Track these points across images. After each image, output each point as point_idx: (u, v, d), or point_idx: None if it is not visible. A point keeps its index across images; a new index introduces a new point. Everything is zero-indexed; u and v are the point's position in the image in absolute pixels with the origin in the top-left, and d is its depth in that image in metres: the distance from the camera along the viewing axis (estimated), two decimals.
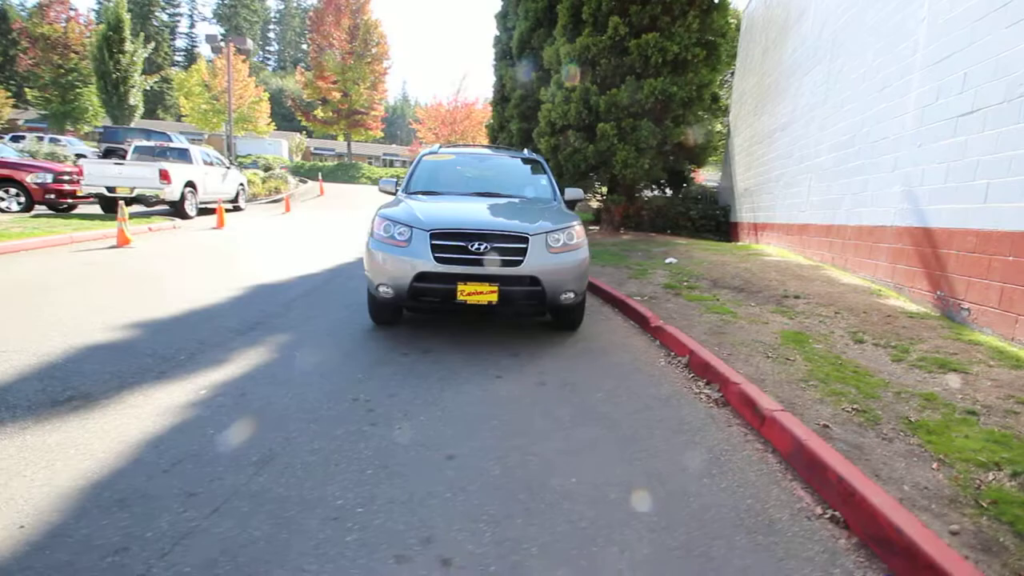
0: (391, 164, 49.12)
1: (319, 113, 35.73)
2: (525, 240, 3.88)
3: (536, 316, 4.53)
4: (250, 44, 18.26)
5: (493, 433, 2.66)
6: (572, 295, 4.07)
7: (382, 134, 39.62)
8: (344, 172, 32.78)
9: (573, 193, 5.29)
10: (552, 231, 4.01)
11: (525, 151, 6.19)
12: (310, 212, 15.39)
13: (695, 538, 1.90)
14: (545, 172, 5.56)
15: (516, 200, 4.91)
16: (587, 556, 1.78)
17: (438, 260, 3.79)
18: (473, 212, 4.29)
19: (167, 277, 6.19)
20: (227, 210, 14.00)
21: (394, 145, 56.29)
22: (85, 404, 2.72)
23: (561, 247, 4.00)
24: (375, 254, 4.02)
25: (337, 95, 34.92)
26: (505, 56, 18.33)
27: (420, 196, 4.84)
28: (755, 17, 13.31)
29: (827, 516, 2.06)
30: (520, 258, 3.84)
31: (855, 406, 2.96)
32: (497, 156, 5.87)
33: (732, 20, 13.78)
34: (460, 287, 3.77)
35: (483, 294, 3.78)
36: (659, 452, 2.55)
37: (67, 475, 2.09)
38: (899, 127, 5.74)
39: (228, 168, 14.26)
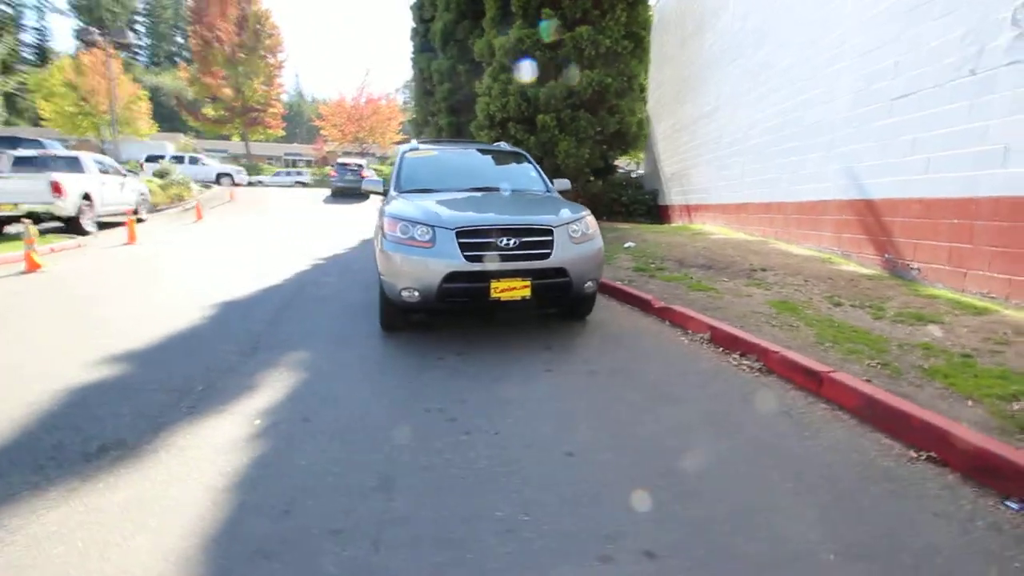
0: (294, 164, 46.18)
1: (209, 112, 32.76)
2: (550, 232, 3.88)
3: (555, 307, 4.53)
4: (131, 37, 16.24)
5: (588, 425, 2.67)
6: (592, 284, 4.14)
7: (283, 132, 37.15)
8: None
9: (561, 184, 5.35)
10: (571, 222, 4.04)
11: (502, 144, 6.14)
12: (226, 219, 14.10)
13: (838, 492, 2.06)
14: (530, 163, 5.55)
15: (516, 193, 4.87)
16: (772, 525, 1.86)
17: (468, 259, 3.68)
18: (489, 207, 4.20)
19: (111, 301, 5.42)
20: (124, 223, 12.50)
21: (295, 144, 52.91)
22: (127, 453, 2.35)
23: (581, 237, 4.04)
24: (393, 257, 3.81)
25: (229, 92, 32.18)
26: (425, 49, 17.93)
27: (416, 194, 4.64)
28: (667, 11, 14.11)
29: (923, 458, 2.30)
30: (548, 251, 3.83)
31: (876, 361, 3.31)
32: (478, 150, 5.76)
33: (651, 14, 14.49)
34: (493, 284, 3.69)
35: (516, 289, 3.73)
36: (746, 422, 2.70)
37: (174, 534, 1.80)
38: (832, 111, 6.41)
39: (125, 176, 12.69)
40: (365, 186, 5.13)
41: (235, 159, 42.48)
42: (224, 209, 16.48)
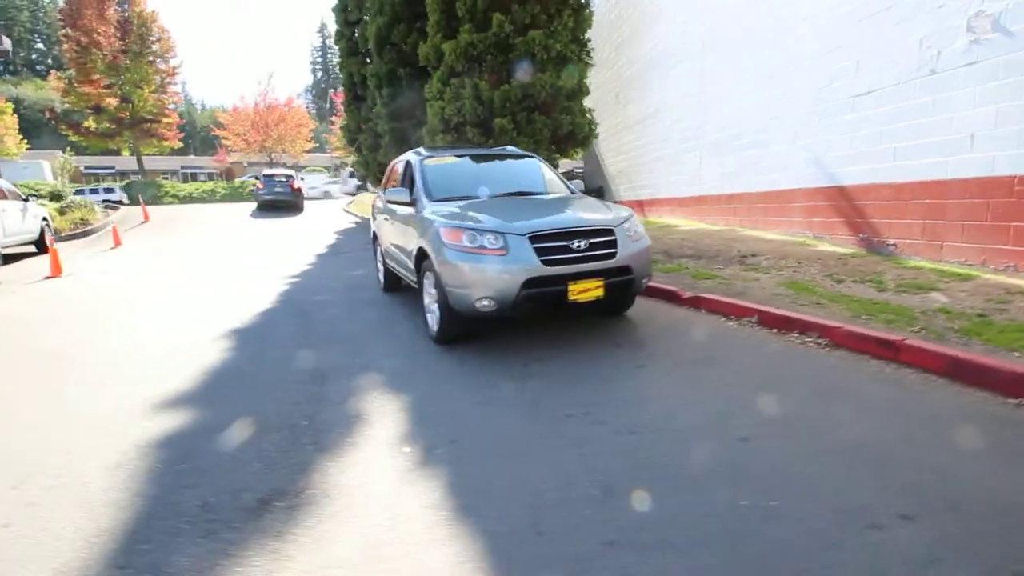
0: (194, 178, 42.45)
1: (92, 124, 29.19)
2: (612, 232, 3.97)
3: (613, 307, 4.58)
4: (7, 44, 14.11)
5: (729, 411, 2.79)
6: (647, 280, 4.30)
7: (181, 144, 34.01)
8: (141, 193, 27.38)
9: (577, 185, 5.47)
10: (625, 221, 4.16)
11: (509, 148, 6.14)
12: (151, 242, 12.71)
13: (989, 445, 2.34)
14: (545, 165, 5.62)
15: (553, 196, 4.92)
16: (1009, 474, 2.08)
17: (544, 263, 3.68)
18: (542, 211, 4.21)
19: (95, 346, 4.76)
20: (31, 253, 10.93)
21: (192, 156, 48.61)
22: (298, 501, 2.13)
23: (635, 235, 4.17)
24: (461, 267, 3.72)
25: (113, 101, 28.86)
26: (354, 52, 17.31)
27: (451, 202, 4.54)
28: (599, 16, 14.68)
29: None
30: (614, 250, 3.93)
31: (917, 327, 3.74)
32: (490, 155, 5.71)
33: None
34: (571, 287, 3.72)
35: (591, 290, 3.79)
36: (856, 393, 2.96)
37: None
38: (794, 108, 7.08)
39: (26, 201, 11.08)
40: (390, 195, 4.93)
41: (122, 176, 38.33)
42: (142, 231, 14.85)
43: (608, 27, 13.84)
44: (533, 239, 3.72)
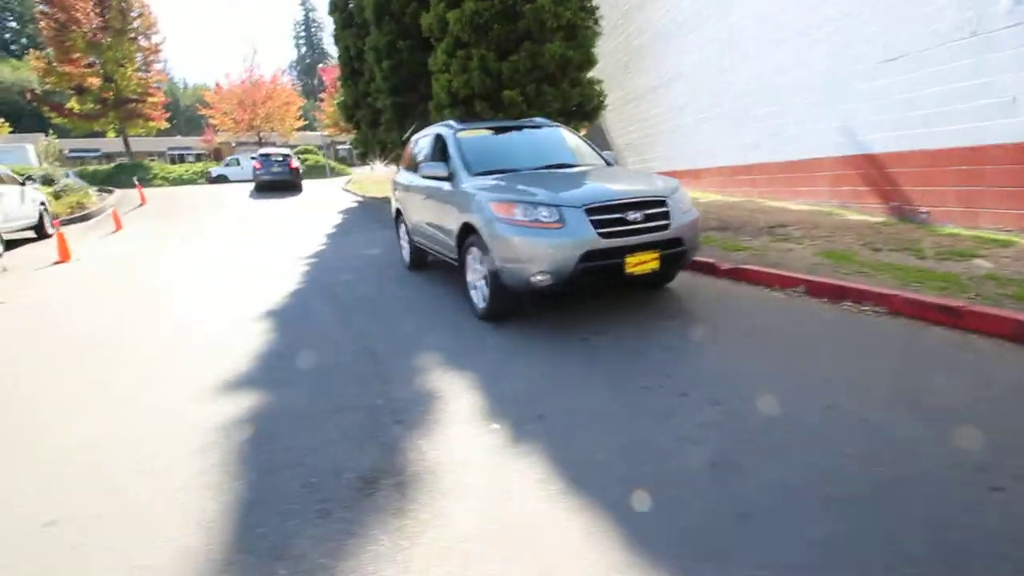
0: (182, 160, 41.51)
1: (75, 106, 28.29)
2: (665, 203, 3.91)
3: (661, 279, 4.54)
4: None
5: (811, 380, 2.78)
6: (695, 251, 4.26)
7: (168, 124, 33.13)
8: (130, 175, 26.72)
9: (609, 156, 5.37)
10: (675, 192, 4.09)
11: (537, 119, 6.00)
12: (154, 225, 12.44)
13: None
14: (577, 136, 5.51)
15: (595, 167, 4.83)
16: None
17: (602, 235, 3.62)
18: (590, 182, 4.13)
19: (133, 332, 4.67)
20: (30, 239, 10.69)
21: (178, 137, 47.44)
22: (405, 480, 2.10)
23: (684, 206, 4.12)
24: (514, 240, 3.65)
25: (96, 81, 27.94)
26: (350, 25, 16.81)
27: (492, 176, 4.44)
28: None
29: None
30: (667, 221, 3.87)
31: (971, 293, 3.74)
32: (522, 126, 5.57)
33: None
34: (628, 259, 3.68)
35: (647, 263, 3.75)
36: (933, 359, 2.97)
37: (609, 550, 1.67)
38: (812, 75, 6.96)
39: (23, 184, 10.77)
40: (425, 170, 4.81)
41: (108, 158, 37.37)
42: (141, 214, 14.54)
43: None
44: (589, 211, 3.65)
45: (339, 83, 19.51)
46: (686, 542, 1.68)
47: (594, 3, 11.73)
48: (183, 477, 2.21)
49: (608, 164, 5.12)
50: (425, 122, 14.43)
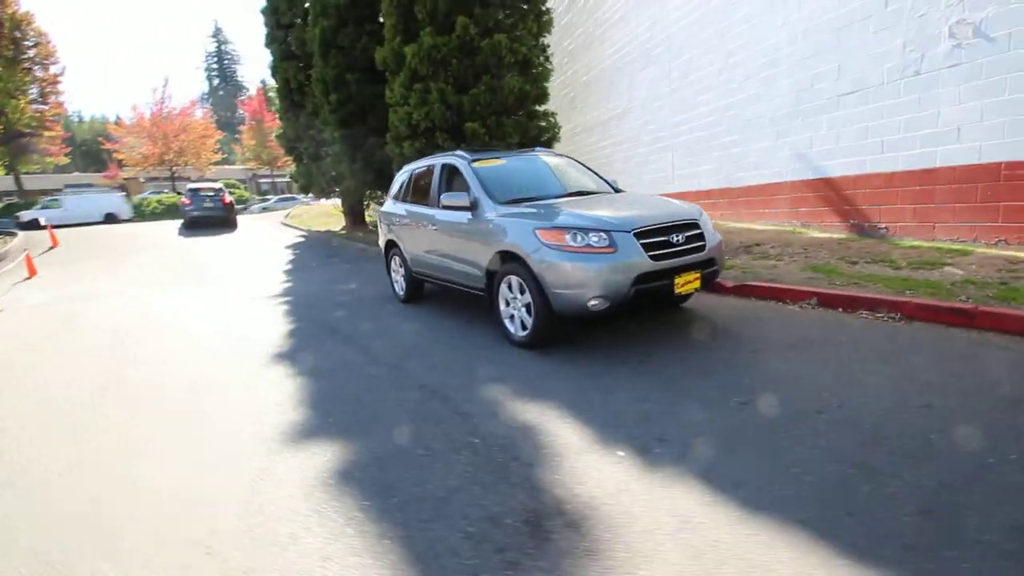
0: None
1: None
2: (698, 225, 4.09)
3: (678, 300, 4.67)
4: None
5: (877, 386, 2.97)
6: (722, 271, 4.46)
7: (68, 159, 30.20)
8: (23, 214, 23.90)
9: (612, 182, 5.56)
10: (702, 215, 4.30)
11: (539, 148, 6.11)
12: (73, 270, 11.10)
13: None
14: (582, 165, 5.66)
15: (610, 193, 4.97)
16: None
17: (652, 258, 3.71)
18: (621, 208, 4.23)
19: (137, 381, 4.12)
20: None
21: (76, 173, 43.15)
22: (571, 520, 1.99)
23: (711, 228, 4.33)
24: (568, 267, 3.66)
25: None
26: (289, 57, 16.32)
27: (519, 204, 4.46)
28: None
29: None
30: (703, 243, 4.05)
31: (961, 296, 4.19)
32: (531, 155, 5.63)
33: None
34: (677, 280, 3.79)
35: (691, 283, 3.89)
36: (975, 356, 3.27)
37: None
38: (775, 107, 7.67)
39: None
40: (446, 199, 4.72)
41: None
42: (55, 258, 13.00)
43: (559, 33, 14.14)
44: (638, 235, 3.74)
45: (277, 116, 18.75)
46: (910, 548, 1.72)
47: (547, 41, 12.26)
48: (314, 548, 1.96)
49: (616, 190, 5.29)
50: (374, 155, 14.25)
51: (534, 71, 11.80)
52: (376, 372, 3.90)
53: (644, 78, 10.72)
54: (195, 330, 5.66)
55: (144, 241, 15.40)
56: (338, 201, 18.42)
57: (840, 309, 4.45)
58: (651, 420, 2.75)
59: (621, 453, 2.43)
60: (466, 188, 4.85)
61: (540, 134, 12.41)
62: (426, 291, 6.48)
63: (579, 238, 3.70)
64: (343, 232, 16.74)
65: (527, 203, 4.50)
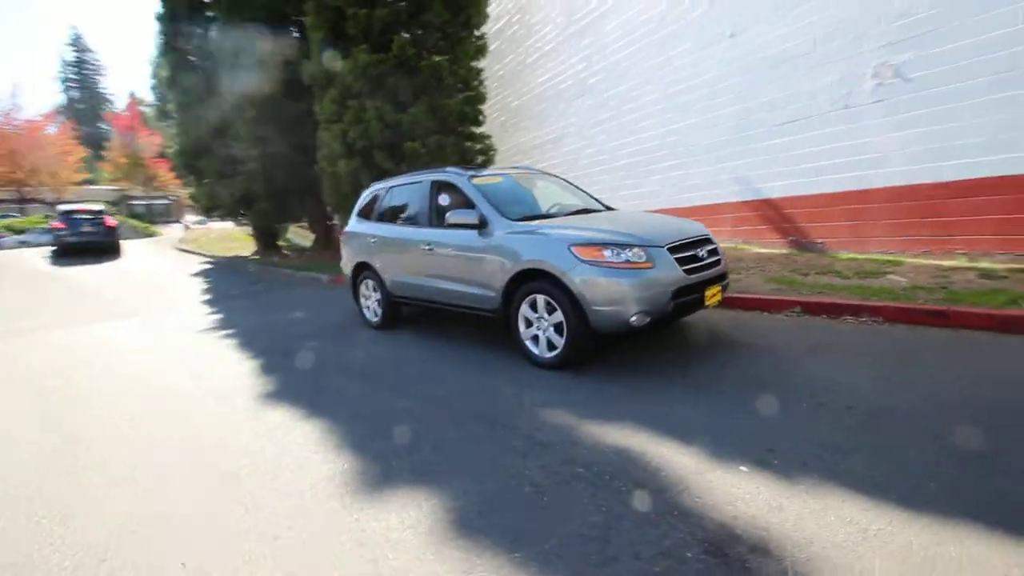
0: None
1: None
2: (712, 241, 4.25)
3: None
4: None
5: (913, 380, 3.22)
6: None
7: None
8: None
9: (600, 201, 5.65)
10: (709, 232, 4.47)
11: (529, 166, 6.04)
12: None
13: None
14: (569, 183, 5.68)
15: (611, 210, 5.01)
16: None
17: (686, 272, 3.77)
18: (646, 223, 4.27)
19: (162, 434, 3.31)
20: None
21: None
22: (790, 556, 1.88)
23: (718, 244, 4.51)
24: (609, 283, 3.60)
25: None
26: (189, 67, 14.80)
27: (531, 222, 4.34)
28: None
29: None
30: (719, 257, 4.20)
31: (921, 299, 4.75)
32: (525, 173, 5.51)
33: None
34: (707, 292, 3.88)
35: (716, 295, 4.01)
36: (977, 349, 3.67)
37: None
38: (714, 135, 8.32)
39: None
40: (452, 217, 4.46)
41: None
42: None
43: (489, 59, 14.31)
44: (671, 250, 3.79)
45: (175, 130, 16.87)
46: None
47: (478, 66, 12.36)
48: None
49: (608, 208, 5.36)
50: (297, 174, 13.31)
51: (471, 93, 11.83)
52: (411, 406, 3.52)
53: (580, 105, 11.16)
54: (155, 378, 4.75)
55: (12, 271, 12.93)
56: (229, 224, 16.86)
57: (825, 316, 4.84)
58: (743, 432, 2.74)
59: (743, 468, 2.38)
60: (467, 205, 4.64)
61: (477, 156, 12.41)
62: (408, 313, 6.08)
63: (618, 253, 3.66)
64: (256, 257, 15.36)
65: (538, 220, 4.40)
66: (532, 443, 2.81)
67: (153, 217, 39.01)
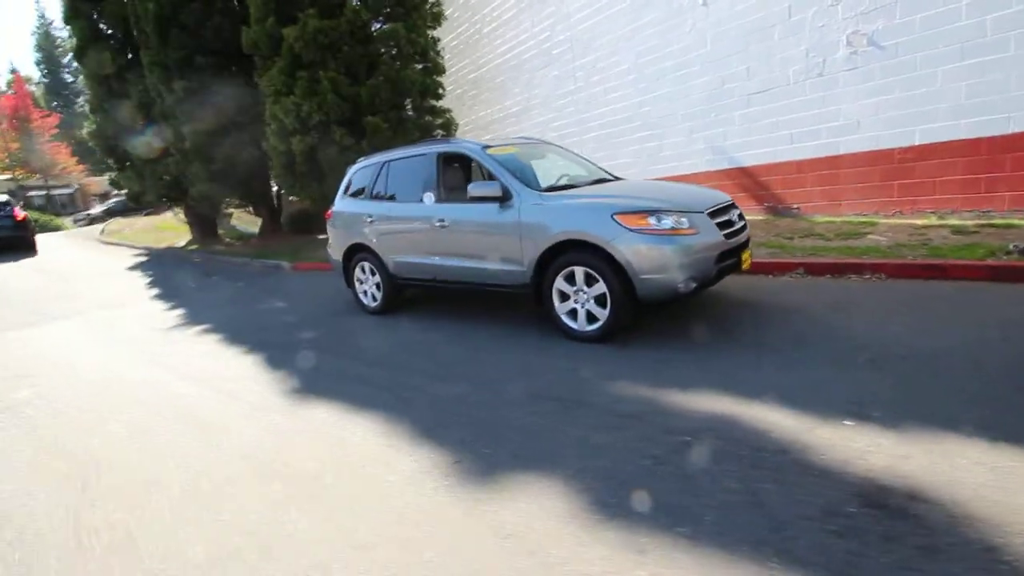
0: None
1: None
2: (737, 206, 4.30)
3: None
4: None
5: (939, 328, 3.42)
6: None
7: None
8: None
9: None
10: None
11: (533, 137, 5.83)
12: None
13: None
14: (576, 154, 5.56)
15: (625, 179, 4.95)
16: None
17: (726, 237, 3.80)
18: (672, 191, 4.25)
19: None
20: None
21: None
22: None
23: None
24: (658, 251, 3.56)
25: None
26: (101, 37, 13.17)
27: (558, 192, 4.23)
28: None
29: None
30: (744, 223, 4.26)
31: (909, 256, 5.07)
32: (537, 144, 5.31)
33: None
34: (743, 256, 3.93)
35: (748, 259, 4.08)
36: (978, 299, 3.94)
37: None
38: (688, 105, 8.44)
39: None
40: (474, 190, 4.23)
41: None
42: None
43: (442, 30, 13.77)
44: (711, 215, 3.79)
45: (88, 109, 15.06)
46: None
47: (435, 35, 11.82)
48: None
49: (617, 178, 5.31)
50: (239, 154, 12.27)
51: (429, 64, 11.31)
52: (463, 392, 3.34)
53: (545, 76, 10.97)
54: (146, 383, 4.23)
55: None
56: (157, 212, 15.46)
57: (829, 276, 5.06)
58: (820, 389, 2.79)
59: (848, 423, 2.42)
60: (485, 177, 4.43)
61: (439, 131, 11.96)
62: (411, 295, 5.80)
63: (663, 220, 3.61)
64: (195, 247, 14.17)
65: (560, 191, 4.28)
66: (620, 417, 2.74)
67: (56, 209, 35.05)
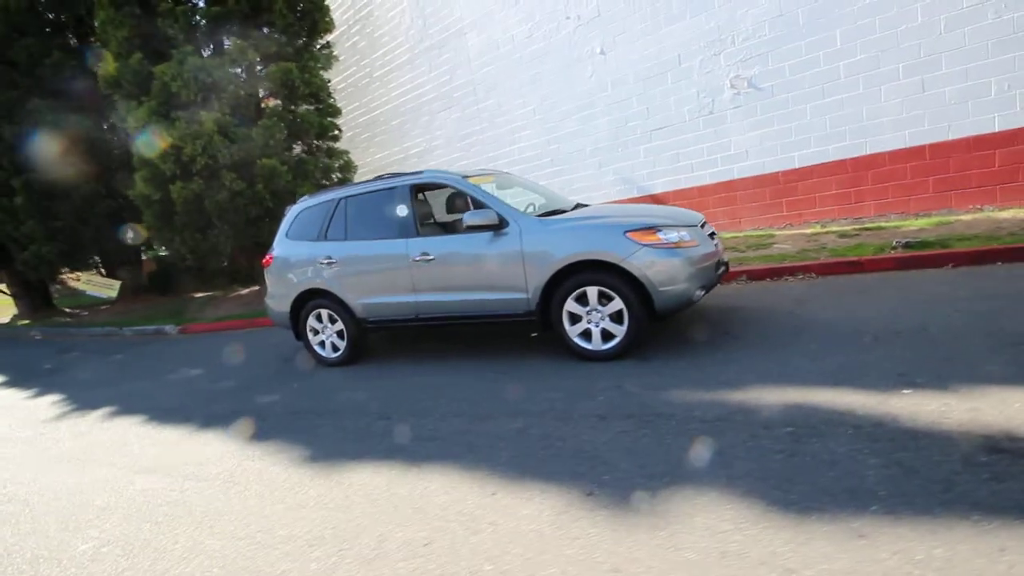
0: None
1: None
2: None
3: None
4: None
5: (916, 312, 4.04)
6: None
7: None
8: None
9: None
10: None
11: (495, 169, 5.74)
12: None
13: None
14: (540, 185, 5.66)
15: (587, 206, 5.15)
16: None
17: (714, 247, 4.12)
18: (648, 211, 4.50)
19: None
20: None
21: None
22: None
23: None
24: (673, 263, 3.74)
25: None
26: None
27: (553, 217, 4.28)
28: None
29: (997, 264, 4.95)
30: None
31: (825, 257, 5.98)
32: (501, 174, 5.25)
33: None
34: (728, 264, 4.28)
35: (727, 268, 4.45)
36: (918, 287, 4.72)
37: None
38: (595, 141, 9.14)
39: None
40: (471, 219, 4.08)
41: None
42: None
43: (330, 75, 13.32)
44: (702, 227, 4.10)
45: None
46: None
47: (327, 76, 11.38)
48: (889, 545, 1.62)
49: (580, 204, 5.50)
50: (93, 207, 10.42)
51: (321, 106, 10.79)
52: (524, 425, 3.10)
53: (447, 118, 11.12)
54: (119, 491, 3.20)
55: None
56: None
57: (767, 279, 5.72)
58: (855, 368, 3.08)
59: (906, 391, 2.72)
60: (473, 207, 4.31)
61: (338, 172, 11.37)
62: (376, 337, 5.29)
63: (670, 235, 3.82)
64: (26, 322, 11.51)
65: (556, 215, 4.33)
66: (707, 423, 2.76)
67: None
